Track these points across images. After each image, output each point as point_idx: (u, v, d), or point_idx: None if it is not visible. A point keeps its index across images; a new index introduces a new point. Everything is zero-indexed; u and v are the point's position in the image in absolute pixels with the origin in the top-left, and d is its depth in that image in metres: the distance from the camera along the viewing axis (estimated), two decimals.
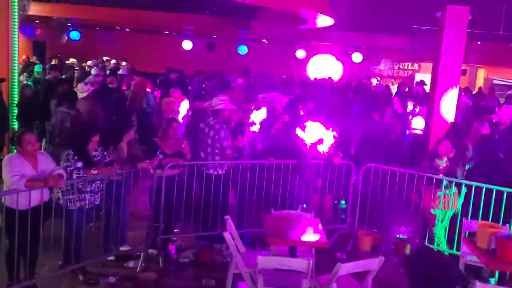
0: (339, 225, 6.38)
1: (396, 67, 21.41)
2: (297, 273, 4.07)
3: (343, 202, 6.70)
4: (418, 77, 19.46)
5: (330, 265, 4.00)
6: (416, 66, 21.23)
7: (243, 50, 20.00)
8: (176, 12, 15.03)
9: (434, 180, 5.76)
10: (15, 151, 4.66)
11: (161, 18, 15.59)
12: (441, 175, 5.76)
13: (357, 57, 20.08)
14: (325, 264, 4.60)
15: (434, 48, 7.90)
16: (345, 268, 3.94)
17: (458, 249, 5.51)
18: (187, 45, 19.98)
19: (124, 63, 15.97)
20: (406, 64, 21.30)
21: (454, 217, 5.74)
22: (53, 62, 12.02)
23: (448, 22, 7.30)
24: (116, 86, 9.80)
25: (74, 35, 18.90)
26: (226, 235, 4.45)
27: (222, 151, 5.82)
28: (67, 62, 14.70)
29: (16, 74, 8.08)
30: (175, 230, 5.99)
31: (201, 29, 17.50)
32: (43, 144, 8.24)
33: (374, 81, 16.91)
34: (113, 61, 15.92)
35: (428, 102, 8.18)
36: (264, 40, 20.24)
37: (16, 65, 7.96)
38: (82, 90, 7.68)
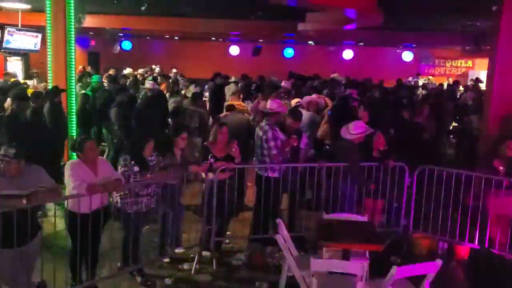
0: (393, 228, 6.25)
1: (448, 65, 20.67)
2: (351, 276, 4.02)
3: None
4: (472, 74, 18.70)
5: (385, 268, 3.92)
6: (470, 63, 20.43)
7: (289, 53, 20.02)
8: (223, 18, 15.28)
9: (494, 181, 5.54)
10: (75, 157, 4.88)
11: (209, 25, 15.89)
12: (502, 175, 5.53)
13: (407, 56, 19.61)
14: (379, 267, 4.51)
15: (490, 44, 7.56)
16: (402, 271, 3.85)
17: None
18: (234, 50, 20.26)
19: (174, 70, 16.41)
20: (459, 61, 20.54)
21: None
22: (110, 73, 12.48)
23: (506, 16, 6.98)
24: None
25: (126, 45, 19.63)
26: (279, 237, 4.46)
27: (269, 152, 5.87)
28: (124, 71, 15.32)
29: (74, 84, 8.46)
30: (227, 233, 6.07)
31: (248, 34, 17.65)
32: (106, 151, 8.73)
33: (421, 81, 16.42)
34: (157, 69, 16.45)
35: (484, 100, 7.84)
36: (310, 42, 20.15)
37: (73, 75, 8.32)
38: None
